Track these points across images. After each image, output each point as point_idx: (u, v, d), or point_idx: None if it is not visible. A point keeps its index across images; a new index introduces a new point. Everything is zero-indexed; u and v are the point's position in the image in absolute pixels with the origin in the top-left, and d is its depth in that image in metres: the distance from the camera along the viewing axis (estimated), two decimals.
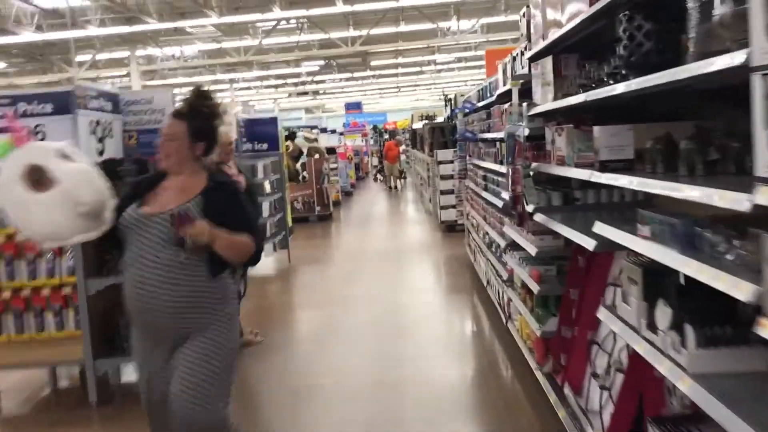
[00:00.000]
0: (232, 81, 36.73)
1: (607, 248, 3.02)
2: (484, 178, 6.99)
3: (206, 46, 26.23)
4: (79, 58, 25.82)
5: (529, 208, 4.29)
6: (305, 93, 43.86)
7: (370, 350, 6.05)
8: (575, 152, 3.40)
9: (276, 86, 40.22)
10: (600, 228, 2.89)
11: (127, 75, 26.50)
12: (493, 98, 5.81)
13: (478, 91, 7.17)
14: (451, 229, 12.65)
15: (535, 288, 4.48)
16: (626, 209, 4.11)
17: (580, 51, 3.84)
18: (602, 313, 3.30)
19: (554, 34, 3.76)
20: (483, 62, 36.67)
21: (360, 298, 8.01)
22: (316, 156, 16.15)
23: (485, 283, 7.42)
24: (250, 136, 10.17)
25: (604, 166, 2.86)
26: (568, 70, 3.85)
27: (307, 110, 58.73)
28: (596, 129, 2.97)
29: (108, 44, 25.28)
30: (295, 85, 39.52)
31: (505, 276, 5.88)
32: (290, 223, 11.03)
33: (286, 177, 11.22)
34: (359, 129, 32.31)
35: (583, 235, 3.13)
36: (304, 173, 15.70)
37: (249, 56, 25.47)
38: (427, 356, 5.78)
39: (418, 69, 37.43)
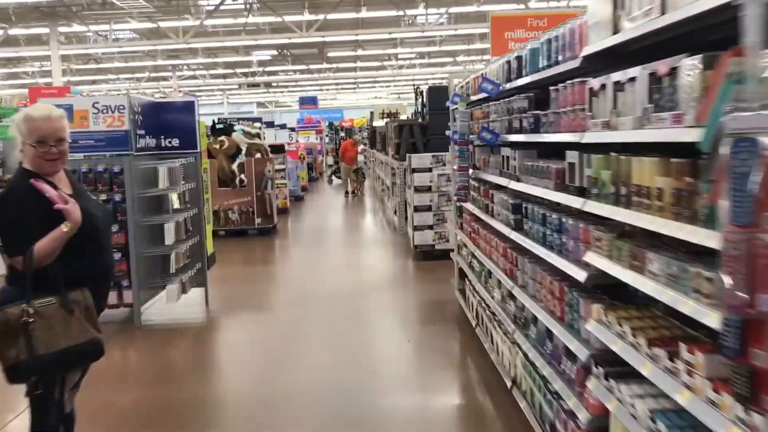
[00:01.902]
0: (174, 68, 33.32)
1: None
2: (518, 209, 4.13)
3: (141, 25, 22.89)
4: None
5: None
6: (256, 85, 40.52)
7: None
8: None
9: (224, 76, 36.87)
10: None
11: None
12: (573, 63, 2.96)
13: (507, 62, 4.30)
14: (427, 255, 9.80)
15: None
16: None
17: None
18: None
19: None
20: (446, 59, 34.59)
21: (303, 402, 5.07)
22: (258, 155, 13.11)
23: (509, 383, 4.54)
24: (153, 129, 7.09)
25: None
26: None
27: (260, 104, 55.25)
28: None
29: (25, 18, 21.79)
30: (246, 75, 36.23)
31: (579, 413, 3.03)
32: (211, 250, 8.00)
33: (207, 185, 8.19)
34: (314, 125, 29.23)
35: None
36: (242, 176, 12.64)
37: (190, 38, 22.18)
38: None
39: (378, 64, 34.64)
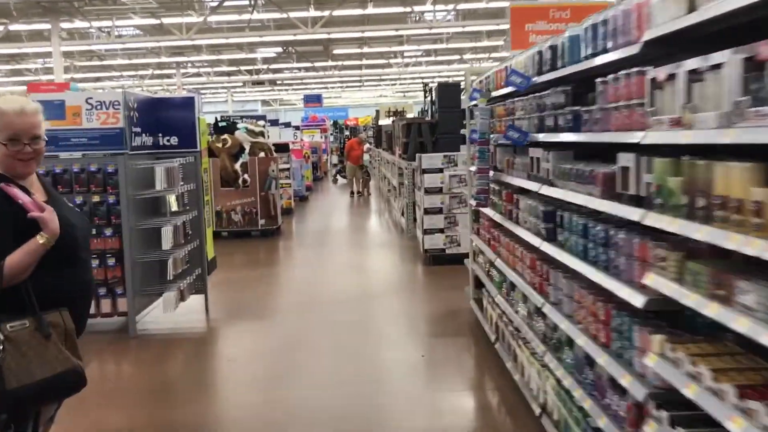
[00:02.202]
0: (178, 65, 32.93)
1: None
2: (550, 217, 3.71)
3: (144, 22, 22.50)
4: None
5: None
6: (261, 82, 40.11)
7: None
8: None
9: (228, 73, 36.46)
10: None
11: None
12: (630, 49, 2.51)
13: (539, 53, 3.87)
14: (437, 260, 9.37)
15: None
16: None
17: None
18: None
19: None
20: (453, 57, 34.15)
21: (308, 422, 4.66)
22: (261, 154, 12.69)
23: (537, 409, 4.10)
24: (150, 126, 6.68)
25: None
26: None
27: (264, 102, 54.83)
28: None
29: (26, 13, 21.40)
30: (250, 73, 35.83)
31: None
32: (211, 254, 7.59)
33: (207, 186, 7.78)
34: (319, 124, 28.78)
35: None
36: (245, 176, 12.22)
37: (193, 34, 21.76)
38: None
39: (384, 61, 34.19)
